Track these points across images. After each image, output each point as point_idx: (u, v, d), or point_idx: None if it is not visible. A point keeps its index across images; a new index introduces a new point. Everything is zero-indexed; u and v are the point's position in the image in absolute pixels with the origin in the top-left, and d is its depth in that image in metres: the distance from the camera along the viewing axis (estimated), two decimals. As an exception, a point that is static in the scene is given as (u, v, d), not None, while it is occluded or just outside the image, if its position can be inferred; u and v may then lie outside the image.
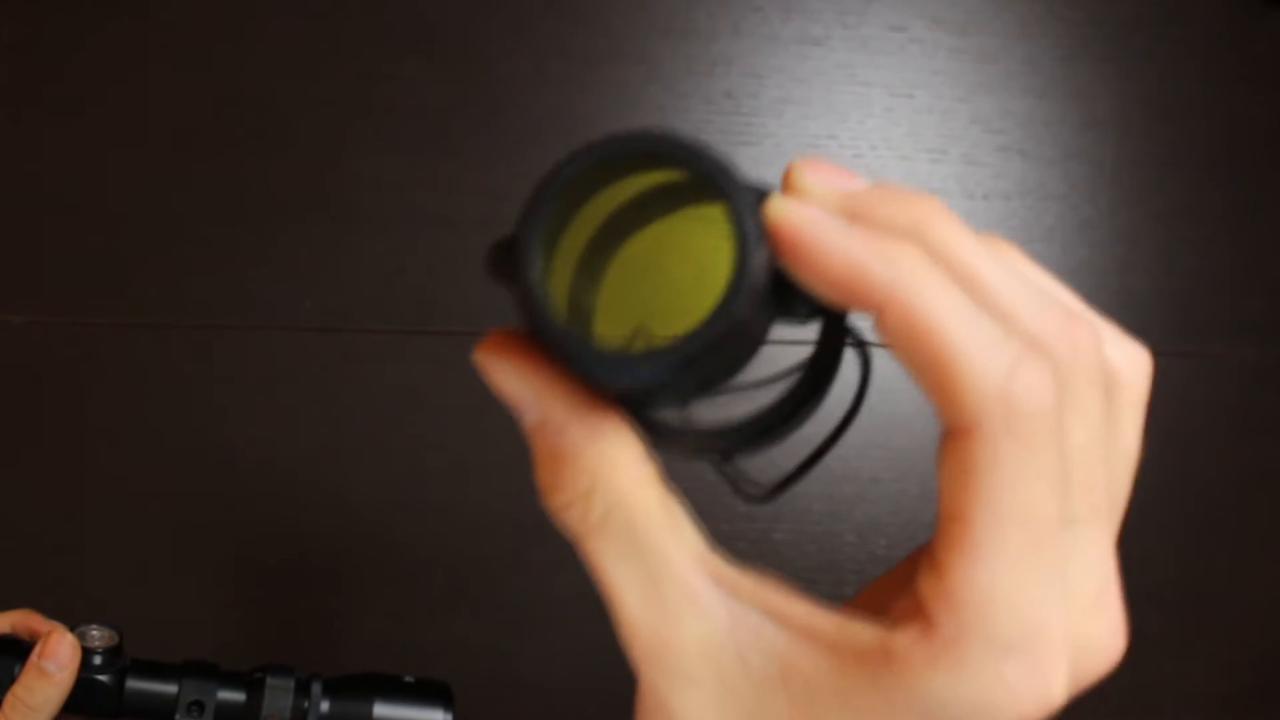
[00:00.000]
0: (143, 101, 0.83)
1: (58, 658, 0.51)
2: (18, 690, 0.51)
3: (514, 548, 0.80)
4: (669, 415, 0.22)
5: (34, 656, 0.51)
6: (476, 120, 0.82)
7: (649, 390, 0.21)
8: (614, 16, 0.82)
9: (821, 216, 0.20)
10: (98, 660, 0.53)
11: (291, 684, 0.54)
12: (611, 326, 0.23)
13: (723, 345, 0.19)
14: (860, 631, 0.21)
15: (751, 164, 0.81)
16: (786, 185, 0.21)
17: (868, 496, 0.80)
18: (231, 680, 0.54)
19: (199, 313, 0.81)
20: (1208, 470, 0.81)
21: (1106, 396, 0.22)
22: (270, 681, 0.54)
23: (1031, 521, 0.19)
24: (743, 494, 0.24)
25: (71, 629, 0.53)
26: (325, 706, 0.54)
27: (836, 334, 0.22)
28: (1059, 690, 0.20)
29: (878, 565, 0.80)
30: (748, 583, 0.21)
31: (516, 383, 0.22)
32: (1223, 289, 0.82)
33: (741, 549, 0.80)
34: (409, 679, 0.56)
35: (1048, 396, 0.19)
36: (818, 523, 0.80)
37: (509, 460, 0.80)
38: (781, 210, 0.20)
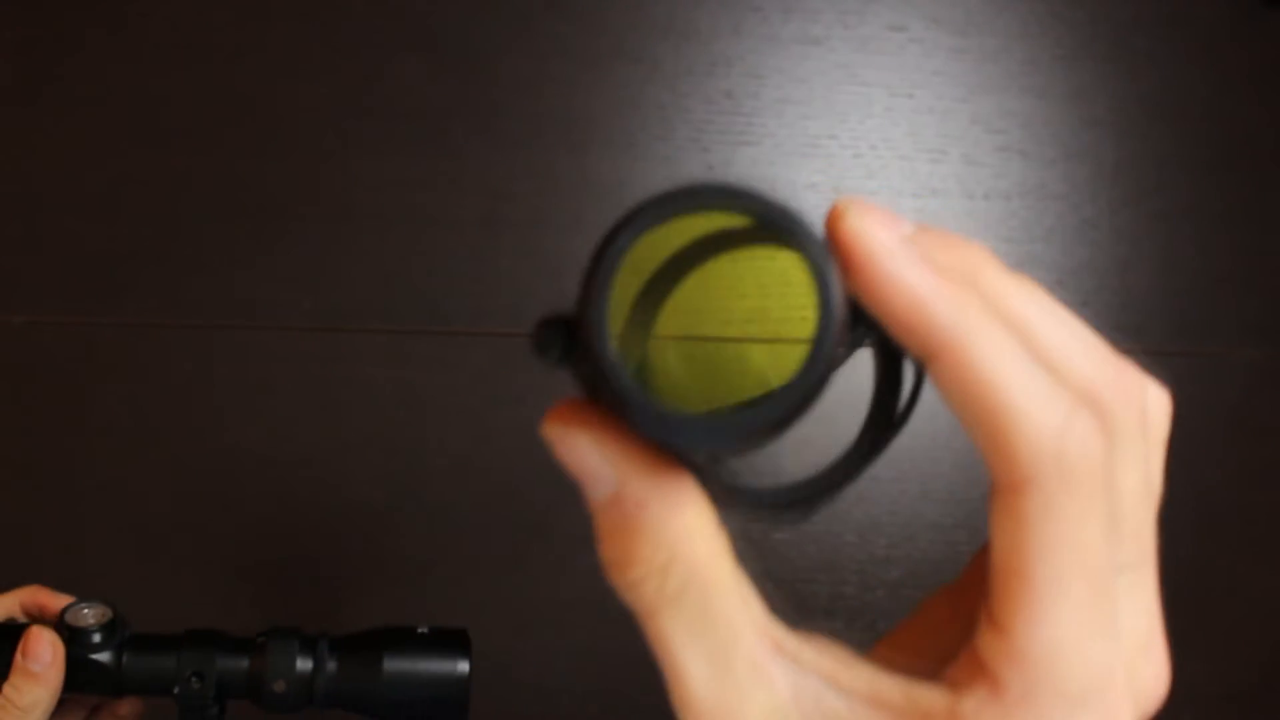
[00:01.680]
0: (143, 101, 0.83)
1: (39, 657, 0.50)
2: (7, 691, 0.50)
3: (514, 548, 0.80)
4: (732, 475, 0.21)
5: (18, 657, 0.50)
6: (476, 120, 0.82)
7: (729, 451, 0.20)
8: (614, 16, 0.82)
9: (897, 245, 0.20)
10: (96, 638, 0.52)
11: (296, 645, 0.51)
12: (666, 374, 0.22)
13: (819, 386, 0.19)
14: (926, 696, 0.20)
15: (751, 164, 0.82)
16: (836, 222, 0.20)
17: (868, 496, 0.80)
18: (233, 647, 0.52)
19: (199, 313, 0.81)
20: (1208, 470, 0.81)
21: (1147, 441, 0.22)
22: (273, 645, 0.51)
23: (1091, 572, 0.20)
24: (765, 519, 0.24)
25: (65, 610, 0.52)
26: (333, 666, 0.52)
27: (897, 367, 0.22)
28: None
29: (878, 565, 0.80)
30: (809, 652, 0.21)
31: (593, 455, 0.21)
32: (1223, 289, 0.82)
33: (741, 549, 0.80)
34: (423, 630, 0.53)
35: (1100, 449, 0.19)
36: (818, 523, 0.80)
37: (509, 460, 0.80)
38: (862, 231, 0.20)
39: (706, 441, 0.19)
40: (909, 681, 0.21)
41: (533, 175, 0.81)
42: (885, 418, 0.22)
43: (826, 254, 0.19)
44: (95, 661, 0.51)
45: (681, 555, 0.20)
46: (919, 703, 0.20)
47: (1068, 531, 0.19)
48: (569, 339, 0.20)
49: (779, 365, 0.22)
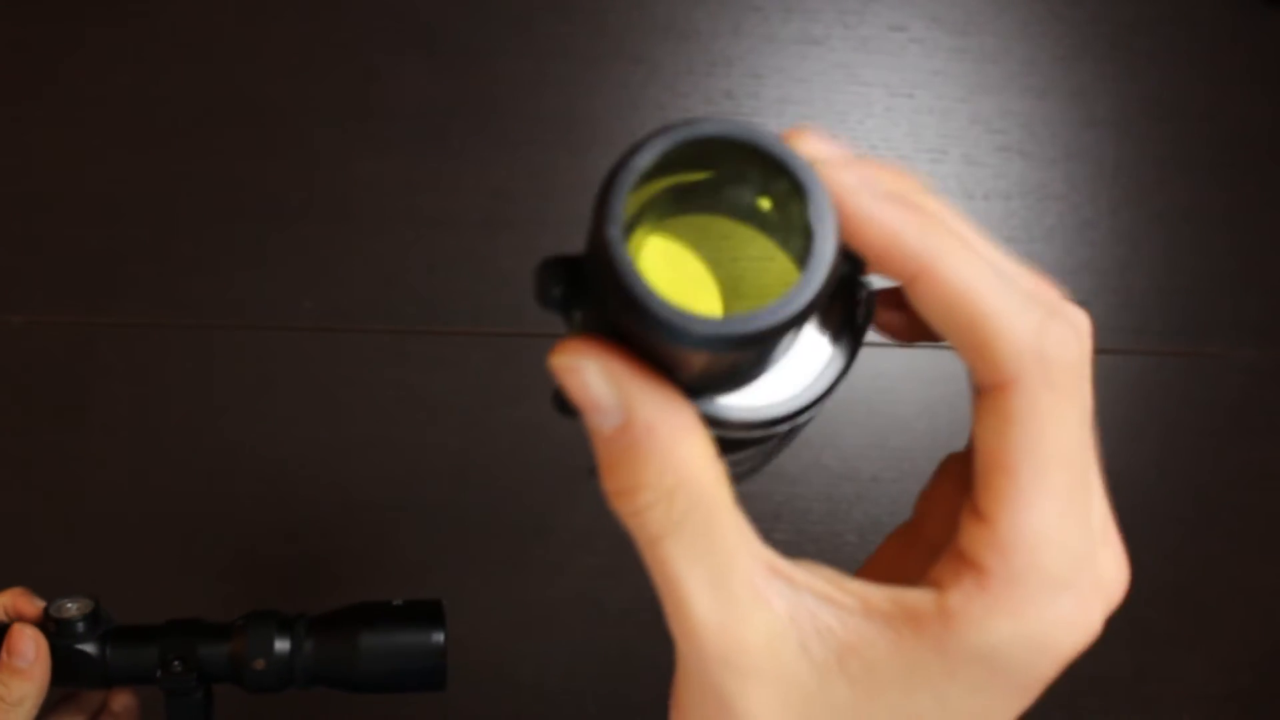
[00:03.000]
0: (142, 101, 0.83)
1: (23, 653, 0.51)
2: None
3: (514, 548, 0.80)
4: (719, 410, 0.22)
5: (3, 654, 0.52)
6: (476, 120, 0.82)
7: (731, 367, 0.21)
8: (614, 16, 0.82)
9: (862, 184, 0.21)
10: (80, 628, 0.53)
11: (274, 626, 0.52)
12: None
13: (816, 300, 0.20)
14: (913, 597, 0.21)
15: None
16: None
17: (868, 496, 0.80)
18: (213, 632, 0.53)
19: (199, 313, 0.81)
20: (1208, 470, 0.81)
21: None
22: (251, 626, 0.52)
23: (1070, 464, 0.21)
24: (744, 473, 0.25)
25: (47, 605, 0.53)
26: (311, 644, 0.53)
27: (854, 297, 0.23)
28: (1101, 619, 0.21)
29: (878, 565, 0.80)
30: (802, 573, 0.22)
31: (601, 383, 0.21)
32: (1223, 289, 0.82)
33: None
34: (397, 602, 0.53)
35: (1076, 349, 0.21)
36: (818, 523, 0.80)
37: (509, 460, 0.80)
38: (834, 178, 0.20)
39: (716, 341, 0.19)
40: (896, 588, 0.22)
41: (533, 175, 0.81)
42: (850, 334, 0.23)
43: (821, 183, 0.20)
44: (80, 652, 0.52)
45: (687, 479, 0.21)
46: (907, 604, 0.21)
47: (1049, 425, 0.21)
48: (573, 276, 0.21)
49: (772, 285, 0.22)
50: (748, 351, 0.20)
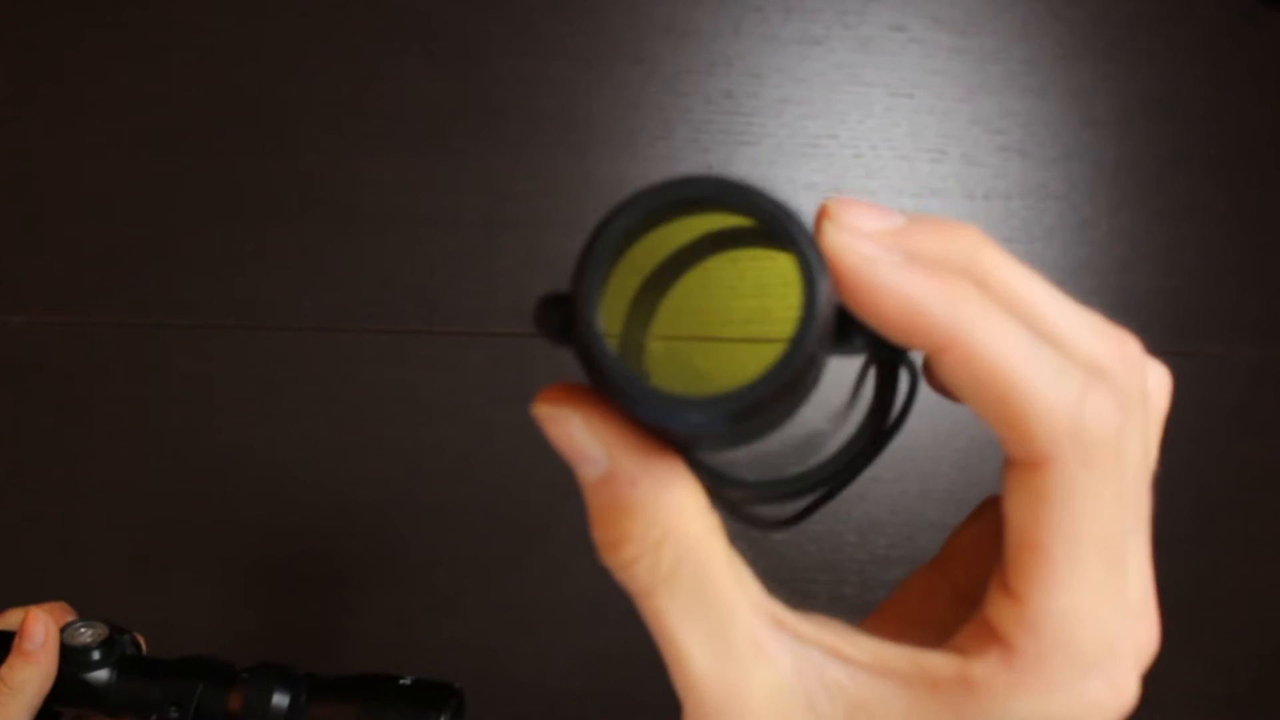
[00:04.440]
0: (142, 101, 0.83)
1: (33, 636, 0.52)
2: (0, 671, 0.52)
3: (514, 548, 0.80)
4: (726, 467, 0.22)
5: (16, 639, 0.52)
6: (476, 120, 0.82)
7: (715, 436, 0.20)
8: (614, 16, 0.82)
9: (880, 253, 0.20)
10: (96, 656, 0.53)
11: (274, 684, 0.52)
12: (664, 369, 0.23)
13: (795, 382, 0.19)
14: (935, 662, 0.21)
15: (751, 164, 0.82)
16: (819, 230, 0.20)
17: (868, 496, 0.80)
18: (218, 678, 0.53)
19: (199, 313, 0.81)
20: (1208, 470, 0.81)
21: (1147, 412, 0.22)
22: (253, 681, 0.52)
23: (1105, 543, 0.20)
24: (760, 525, 0.24)
25: (64, 628, 0.54)
26: (309, 709, 0.52)
27: (893, 371, 0.22)
28: (1134, 696, 0.21)
29: (878, 565, 0.80)
30: (809, 626, 0.21)
31: (583, 435, 0.21)
32: (1223, 289, 0.82)
33: (741, 549, 0.80)
34: (406, 680, 0.53)
35: (1115, 422, 0.20)
36: (818, 523, 0.80)
37: (509, 460, 0.80)
38: (841, 247, 0.20)
39: (686, 420, 0.19)
40: (914, 650, 0.21)
41: (533, 175, 0.81)
42: (881, 421, 0.22)
43: (818, 254, 0.19)
44: (90, 679, 0.52)
45: (674, 532, 0.20)
46: (926, 669, 0.21)
47: (1084, 504, 0.20)
48: (568, 316, 0.20)
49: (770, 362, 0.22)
50: (728, 427, 0.20)
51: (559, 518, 0.79)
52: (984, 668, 0.20)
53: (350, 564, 0.81)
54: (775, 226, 0.19)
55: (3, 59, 0.83)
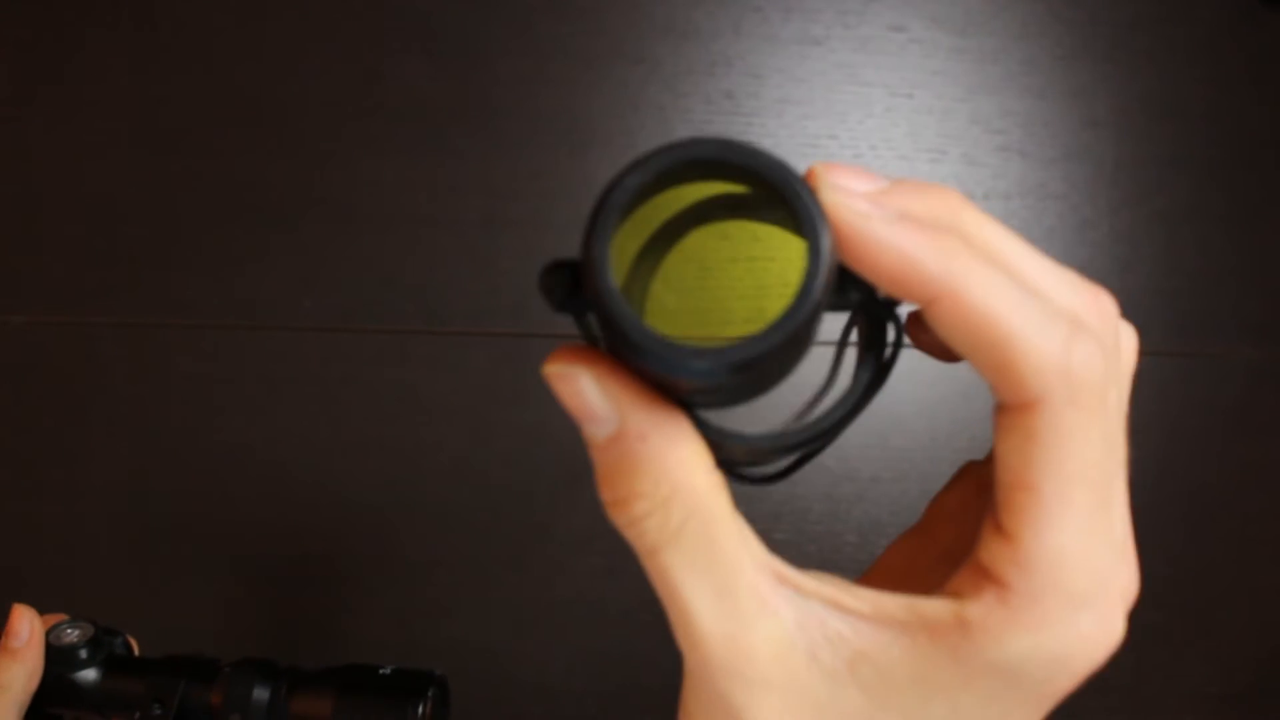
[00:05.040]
0: (143, 102, 0.83)
1: (17, 633, 0.52)
2: None
3: (514, 548, 0.80)
4: (724, 425, 0.22)
5: (1, 639, 0.52)
6: (476, 120, 0.82)
7: (720, 388, 0.21)
8: (614, 16, 0.82)
9: (875, 210, 0.20)
10: (83, 655, 0.53)
11: (255, 678, 0.52)
12: (665, 326, 0.23)
13: (803, 331, 0.20)
14: (931, 607, 0.21)
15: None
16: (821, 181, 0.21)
17: (868, 496, 0.80)
18: (202, 674, 0.53)
19: (199, 313, 0.81)
20: (1208, 470, 0.81)
21: (1120, 362, 0.23)
22: (233, 676, 0.52)
23: (1094, 482, 0.21)
24: (753, 481, 0.24)
25: (50, 630, 0.54)
26: (289, 702, 0.52)
27: (883, 322, 0.23)
28: (1121, 632, 0.21)
29: (878, 565, 0.80)
30: (810, 580, 0.22)
31: (593, 392, 0.21)
32: (1223, 289, 0.82)
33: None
34: (385, 670, 0.53)
35: (1100, 366, 0.21)
36: (818, 523, 0.80)
37: (509, 460, 0.80)
38: (838, 203, 0.20)
39: (699, 370, 0.19)
40: (912, 597, 0.21)
41: (533, 175, 0.81)
42: (874, 368, 0.23)
43: (820, 209, 0.20)
44: (77, 679, 0.53)
45: (683, 488, 0.21)
46: (923, 614, 0.21)
47: (1073, 443, 0.20)
48: (573, 281, 0.21)
49: (767, 314, 0.23)
50: (735, 378, 0.20)
51: (559, 518, 0.79)
52: (979, 608, 0.21)
53: (350, 564, 0.81)
54: (780, 183, 0.20)
55: (3, 59, 0.83)
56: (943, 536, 0.26)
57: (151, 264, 0.82)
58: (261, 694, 0.52)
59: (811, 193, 0.20)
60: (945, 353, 0.24)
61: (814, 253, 0.20)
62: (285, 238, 0.82)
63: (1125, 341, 0.23)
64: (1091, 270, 0.81)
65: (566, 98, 0.82)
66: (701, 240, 0.23)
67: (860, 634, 0.21)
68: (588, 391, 0.21)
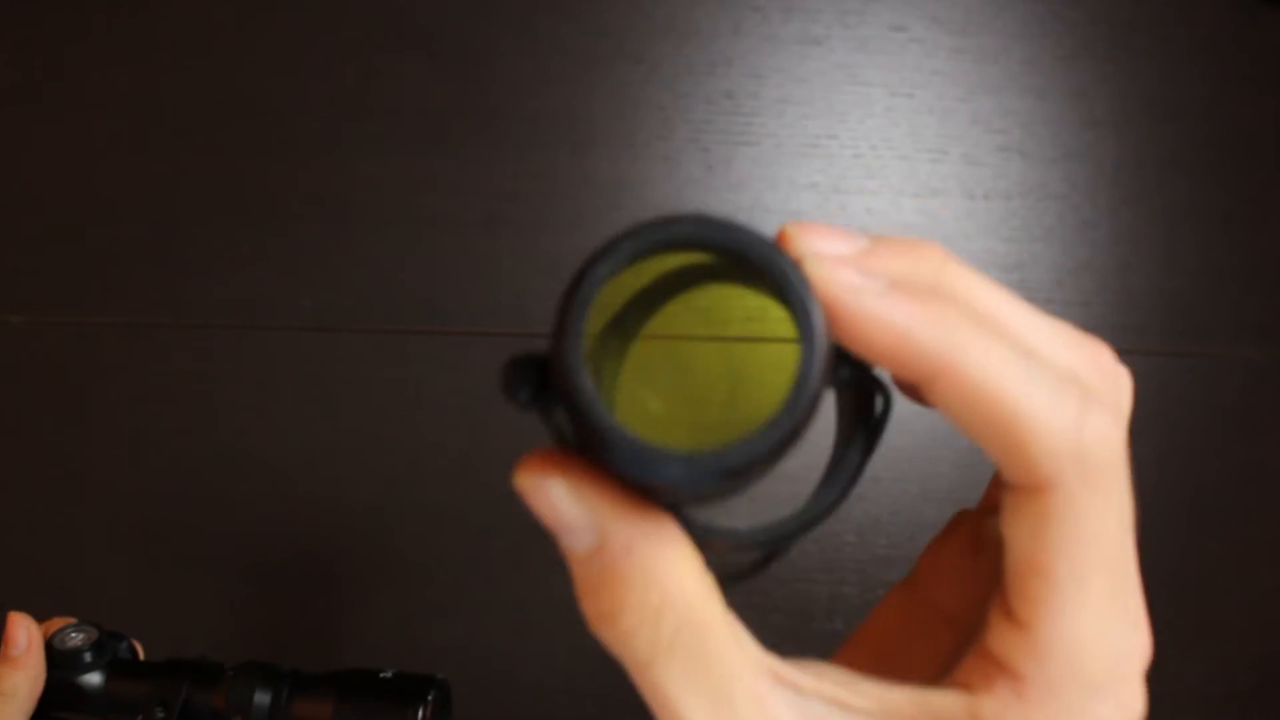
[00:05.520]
0: (143, 101, 0.83)
1: (15, 642, 0.52)
2: None
3: (513, 548, 0.80)
4: (711, 521, 0.21)
5: (1, 647, 0.52)
6: (476, 120, 0.82)
7: (710, 490, 0.19)
8: (614, 16, 0.82)
9: (865, 283, 0.19)
10: (87, 658, 0.53)
11: (257, 681, 0.52)
12: (641, 422, 0.21)
13: (803, 421, 0.18)
14: (942, 702, 0.20)
15: (751, 164, 0.81)
16: (805, 254, 0.20)
17: (868, 496, 0.80)
18: (205, 677, 0.53)
19: (198, 313, 0.81)
20: (1208, 470, 0.81)
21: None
22: (236, 679, 0.53)
23: (1112, 563, 0.20)
24: (731, 580, 0.23)
25: (53, 635, 0.54)
26: (290, 705, 0.53)
27: (871, 393, 0.21)
28: (1142, 709, 0.20)
29: (878, 565, 0.80)
30: (808, 678, 0.21)
31: (571, 503, 0.20)
32: (1223, 289, 0.82)
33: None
34: (386, 674, 0.53)
35: (1115, 441, 0.19)
36: (818, 523, 0.80)
37: (509, 460, 0.80)
38: (824, 278, 0.19)
39: (689, 477, 0.18)
40: (919, 690, 0.20)
41: (533, 175, 0.81)
42: (864, 443, 0.22)
43: (808, 290, 0.19)
44: (81, 683, 0.53)
45: (673, 597, 0.20)
46: (934, 709, 0.20)
47: (1089, 526, 0.19)
48: (540, 379, 0.19)
49: (751, 401, 0.21)
50: (724, 484, 0.19)
51: (559, 518, 0.79)
52: (994, 703, 0.20)
53: (350, 564, 0.81)
54: (764, 262, 0.18)
55: (4, 58, 0.83)
56: (939, 596, 0.25)
57: (151, 264, 0.82)
58: (263, 698, 0.52)
59: (799, 271, 0.18)
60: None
61: (808, 340, 0.18)
62: (285, 237, 0.82)
63: (1124, 390, 0.22)
64: (1091, 270, 0.81)
65: (566, 98, 0.82)
66: (672, 317, 0.21)
67: None
68: (563, 503, 0.20)
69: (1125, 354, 0.21)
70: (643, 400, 0.22)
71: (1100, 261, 0.81)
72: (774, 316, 0.20)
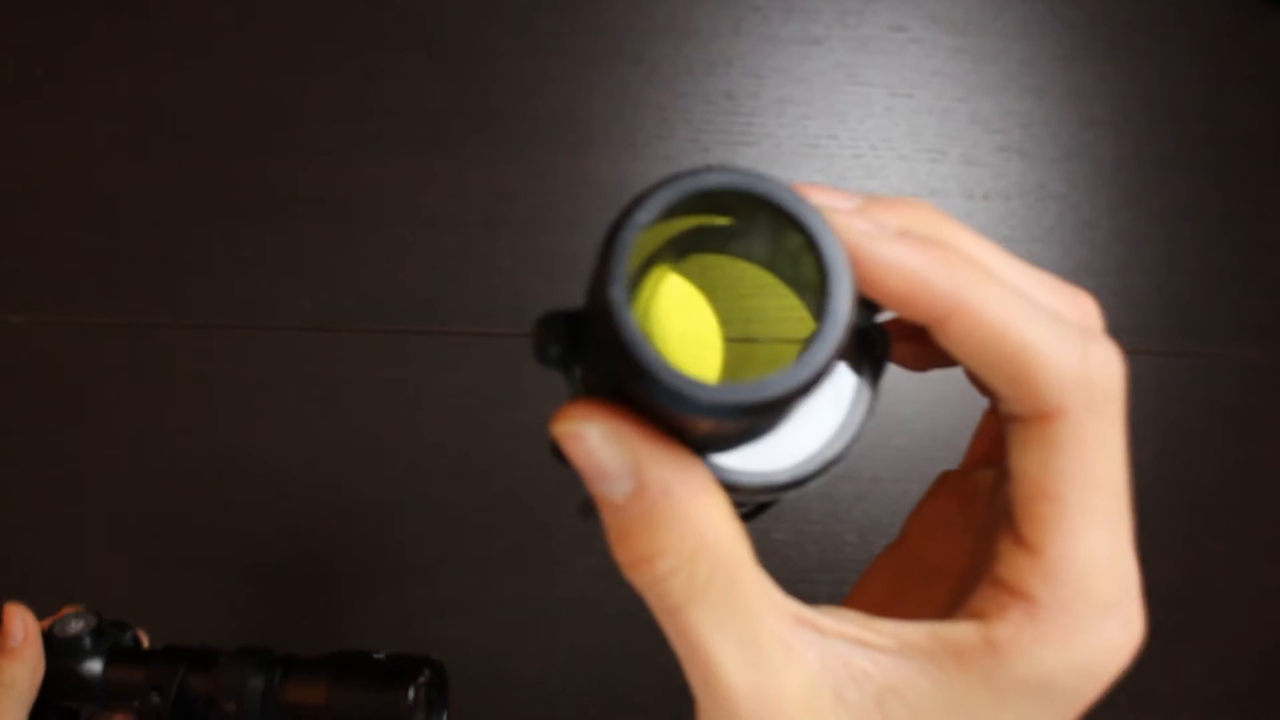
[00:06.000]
0: (143, 101, 0.83)
1: (12, 633, 0.52)
2: None
3: (513, 548, 0.80)
4: (731, 465, 0.21)
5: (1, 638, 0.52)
6: (476, 120, 0.82)
7: (738, 432, 0.20)
8: (614, 16, 0.82)
9: (879, 231, 0.20)
10: (87, 645, 0.53)
11: (250, 666, 0.52)
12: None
13: (833, 361, 0.19)
14: (956, 632, 0.21)
15: (751, 164, 0.82)
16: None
17: (868, 496, 0.80)
18: (201, 663, 0.53)
19: (198, 313, 0.81)
20: (1207, 470, 0.81)
21: None
22: (229, 664, 0.53)
23: (1117, 488, 0.21)
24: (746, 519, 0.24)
25: (52, 621, 0.54)
26: (283, 688, 0.53)
27: (872, 340, 0.22)
28: (1141, 635, 0.21)
29: (878, 565, 0.80)
30: (828, 619, 0.21)
31: (609, 448, 0.20)
32: (1223, 289, 0.82)
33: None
34: (379, 655, 0.53)
35: (1118, 370, 0.21)
36: (818, 523, 0.80)
37: (509, 460, 0.80)
38: (840, 225, 0.20)
39: (731, 409, 0.18)
40: (934, 623, 0.21)
41: (533, 175, 0.81)
42: (869, 380, 0.23)
43: (833, 233, 0.19)
44: (82, 670, 0.53)
45: (708, 541, 0.20)
46: (949, 639, 0.21)
47: (1095, 450, 0.20)
48: (573, 334, 0.20)
49: (767, 355, 0.22)
50: (758, 418, 0.19)
51: (558, 518, 0.79)
52: (1007, 626, 0.20)
53: (350, 564, 0.81)
54: (792, 209, 0.19)
55: (5, 57, 0.83)
56: (928, 552, 0.26)
57: (151, 264, 0.82)
58: (256, 682, 0.52)
59: (822, 218, 0.19)
60: (920, 363, 0.24)
61: (840, 275, 0.19)
62: (285, 237, 0.82)
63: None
64: (1091, 270, 0.81)
65: (566, 98, 0.82)
66: (691, 271, 0.22)
67: (885, 669, 0.21)
68: (601, 448, 0.20)
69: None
70: (682, 331, 0.22)
71: (1100, 261, 0.81)
72: (778, 291, 0.21)
